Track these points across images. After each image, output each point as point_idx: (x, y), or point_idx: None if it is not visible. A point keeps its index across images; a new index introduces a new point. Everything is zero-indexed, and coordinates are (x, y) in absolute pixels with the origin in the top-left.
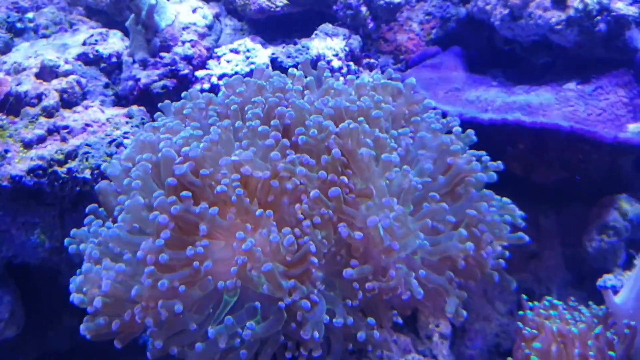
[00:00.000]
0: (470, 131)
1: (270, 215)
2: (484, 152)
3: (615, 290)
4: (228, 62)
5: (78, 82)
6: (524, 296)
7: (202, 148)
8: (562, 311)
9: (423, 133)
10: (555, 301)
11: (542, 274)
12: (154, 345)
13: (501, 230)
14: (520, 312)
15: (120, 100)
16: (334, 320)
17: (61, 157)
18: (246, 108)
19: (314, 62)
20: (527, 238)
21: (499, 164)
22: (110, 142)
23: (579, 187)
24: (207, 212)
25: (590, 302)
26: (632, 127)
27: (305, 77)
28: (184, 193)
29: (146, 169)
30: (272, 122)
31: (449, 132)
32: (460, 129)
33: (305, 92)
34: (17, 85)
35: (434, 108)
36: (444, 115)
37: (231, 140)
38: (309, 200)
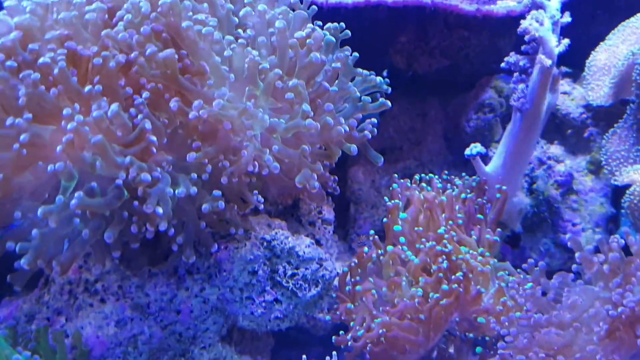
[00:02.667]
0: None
1: (99, 91)
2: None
3: (482, 156)
4: None
5: None
6: (396, 175)
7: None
8: (435, 183)
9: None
10: (430, 175)
11: (424, 158)
12: None
13: (351, 93)
14: (390, 187)
15: None
16: (176, 190)
17: None
18: None
19: None
20: (388, 104)
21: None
22: None
23: (462, 75)
24: (29, 76)
25: (463, 174)
26: (501, 2)
27: None
28: (9, 63)
29: None
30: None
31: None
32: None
33: None
34: None
35: None
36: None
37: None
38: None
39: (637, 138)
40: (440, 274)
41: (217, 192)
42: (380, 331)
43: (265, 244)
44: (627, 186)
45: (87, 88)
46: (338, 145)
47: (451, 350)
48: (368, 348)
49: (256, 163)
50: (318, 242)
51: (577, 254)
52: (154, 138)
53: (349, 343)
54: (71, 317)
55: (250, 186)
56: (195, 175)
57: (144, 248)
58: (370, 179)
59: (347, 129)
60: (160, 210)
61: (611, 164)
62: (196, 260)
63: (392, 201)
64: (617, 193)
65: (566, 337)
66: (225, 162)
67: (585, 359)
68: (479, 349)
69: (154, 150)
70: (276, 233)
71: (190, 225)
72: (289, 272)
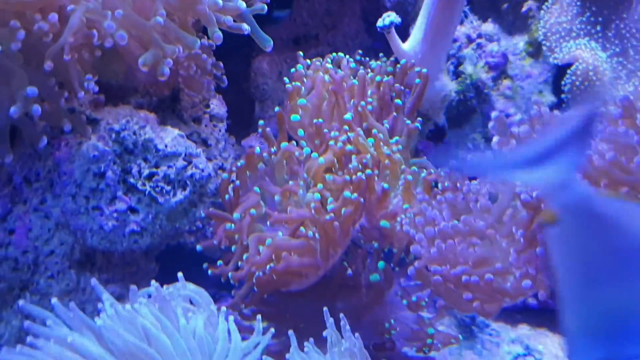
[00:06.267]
0: None
1: None
2: None
3: (401, 30)
4: None
5: None
6: (300, 53)
7: None
8: (347, 63)
9: None
10: (340, 55)
11: (339, 42)
12: None
13: None
14: (292, 70)
15: None
16: None
17: None
18: None
19: None
20: None
21: None
22: None
23: None
24: None
25: (381, 54)
26: None
27: None
28: None
29: None
30: None
31: None
32: None
33: None
34: None
35: None
36: None
37: None
38: None
39: (582, 7)
40: (347, 177)
41: (31, 90)
42: (268, 267)
43: (114, 135)
44: (569, 65)
45: None
46: (206, 23)
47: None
48: (255, 277)
49: (95, 32)
50: (205, 143)
51: (494, 139)
52: None
53: (229, 274)
54: None
55: (86, 65)
56: None
57: None
58: (277, 71)
59: None
60: None
61: (550, 39)
62: (36, 163)
63: (293, 83)
64: (559, 78)
65: (481, 249)
66: (43, 24)
67: (505, 272)
68: (381, 264)
69: None
70: (127, 121)
71: (1, 114)
72: (146, 172)
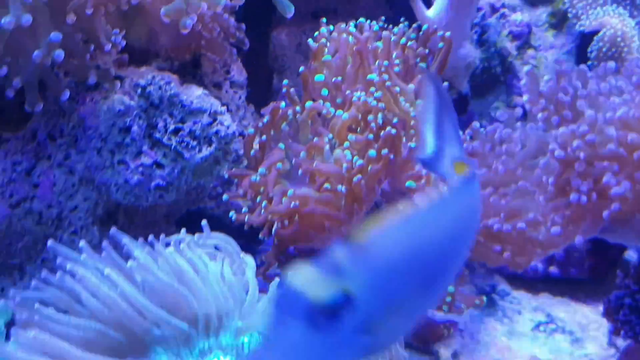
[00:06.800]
0: None
1: None
2: None
3: None
4: None
5: None
6: (324, 19)
7: None
8: (368, 28)
9: None
10: (361, 21)
11: (358, 14)
12: None
13: None
14: (316, 33)
15: None
16: (2, 19)
17: None
18: None
19: None
20: None
21: None
22: None
23: None
24: None
25: (402, 18)
26: None
27: None
28: None
29: None
30: None
31: None
32: None
33: None
34: None
35: None
36: None
37: None
38: None
39: None
40: (371, 136)
41: (55, 35)
42: (292, 204)
43: (140, 90)
44: (594, 33)
45: None
46: None
47: None
48: (275, 227)
49: None
50: (226, 108)
51: (525, 97)
52: None
53: (246, 218)
54: None
55: (112, 21)
56: None
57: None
58: (296, 43)
59: None
60: None
61: (576, 6)
62: (60, 120)
63: (318, 42)
64: (583, 48)
65: (514, 200)
66: None
67: (537, 223)
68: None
69: None
70: (153, 77)
71: (28, 65)
72: (171, 127)
